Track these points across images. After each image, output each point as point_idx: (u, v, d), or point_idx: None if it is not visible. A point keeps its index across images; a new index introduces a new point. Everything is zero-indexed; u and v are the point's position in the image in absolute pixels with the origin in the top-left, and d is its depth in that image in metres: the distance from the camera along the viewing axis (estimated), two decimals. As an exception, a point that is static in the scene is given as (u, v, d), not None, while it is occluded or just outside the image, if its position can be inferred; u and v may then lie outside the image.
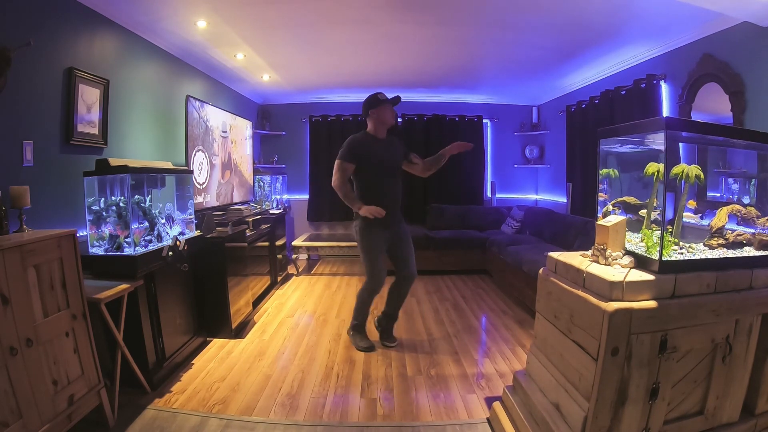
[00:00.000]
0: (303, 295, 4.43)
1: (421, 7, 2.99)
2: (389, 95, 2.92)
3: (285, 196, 6.12)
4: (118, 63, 2.92)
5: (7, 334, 1.55)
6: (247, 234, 3.73)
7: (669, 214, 1.67)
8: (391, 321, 3.12)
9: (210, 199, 4.06)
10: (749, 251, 1.66)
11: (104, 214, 2.40)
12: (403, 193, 3.08)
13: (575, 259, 1.77)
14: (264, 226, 4.36)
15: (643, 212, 1.75)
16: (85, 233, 2.39)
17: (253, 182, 5.40)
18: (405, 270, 2.98)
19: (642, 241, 1.67)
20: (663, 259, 1.50)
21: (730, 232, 1.71)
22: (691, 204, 1.79)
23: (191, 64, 4.00)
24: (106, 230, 2.38)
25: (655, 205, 1.69)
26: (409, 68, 4.65)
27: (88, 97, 2.62)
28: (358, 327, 3.08)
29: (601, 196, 1.87)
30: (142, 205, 2.52)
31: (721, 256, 1.61)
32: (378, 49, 3.97)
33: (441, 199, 5.99)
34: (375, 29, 3.45)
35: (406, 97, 6.02)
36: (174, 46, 3.58)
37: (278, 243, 4.85)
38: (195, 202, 3.36)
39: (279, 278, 4.78)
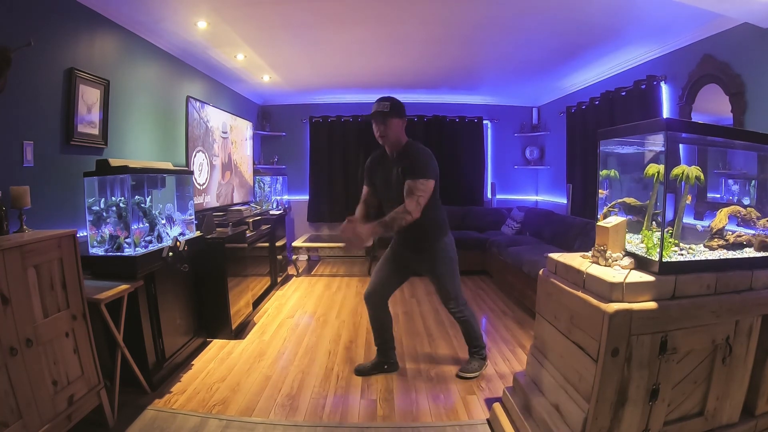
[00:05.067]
0: (303, 296, 4.43)
1: (422, 6, 3.00)
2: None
3: (285, 197, 6.12)
4: (118, 63, 2.93)
5: (7, 334, 1.55)
6: (247, 235, 3.73)
7: (669, 215, 1.67)
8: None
9: (210, 200, 4.06)
10: (749, 252, 1.66)
11: (104, 214, 2.40)
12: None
13: (575, 260, 1.77)
14: (264, 227, 4.36)
15: (614, 218, 1.73)
16: (85, 233, 2.39)
17: (254, 183, 5.40)
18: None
19: (642, 242, 1.67)
20: (663, 260, 1.50)
21: (730, 233, 1.71)
22: (687, 199, 1.79)
23: (191, 65, 4.01)
24: (107, 230, 2.38)
25: (654, 203, 1.69)
26: (410, 69, 4.65)
27: (89, 97, 2.62)
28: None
29: (601, 193, 1.87)
30: (143, 205, 2.52)
31: (722, 257, 1.61)
32: (378, 50, 3.97)
33: (441, 200, 5.94)
34: (375, 30, 3.45)
35: (406, 97, 6.03)
36: (174, 47, 3.58)
37: (278, 244, 4.85)
38: (195, 202, 3.36)
39: (279, 279, 4.78)
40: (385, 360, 2.71)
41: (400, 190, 2.39)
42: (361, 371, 2.68)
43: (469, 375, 2.61)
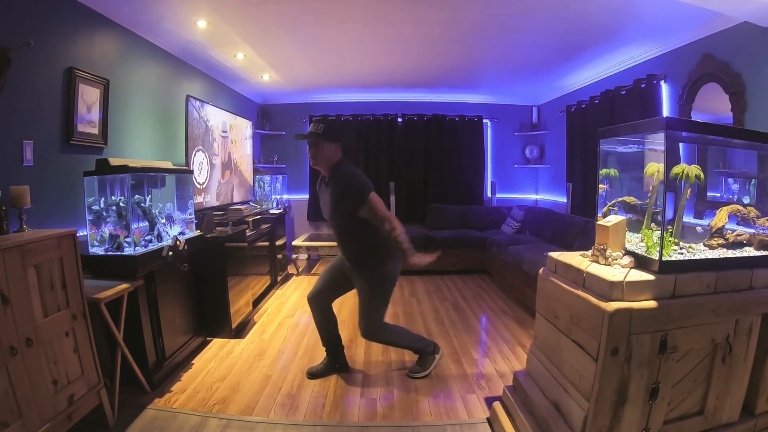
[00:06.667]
0: (303, 295, 4.42)
1: (422, 6, 2.99)
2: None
3: (285, 196, 6.11)
4: (118, 63, 2.92)
5: (7, 334, 1.55)
6: (247, 234, 3.73)
7: (669, 214, 1.67)
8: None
9: (210, 199, 4.06)
10: (749, 251, 1.66)
11: (104, 213, 2.40)
12: (361, 242, 2.43)
13: (575, 259, 1.77)
14: (264, 226, 4.36)
15: (614, 217, 1.73)
16: (85, 233, 2.39)
17: (253, 182, 5.40)
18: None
19: (642, 241, 1.68)
20: (663, 259, 1.50)
21: (730, 232, 1.71)
22: (687, 193, 1.79)
23: (191, 64, 4.00)
24: (106, 230, 2.38)
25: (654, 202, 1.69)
26: (410, 68, 4.65)
27: (88, 96, 2.62)
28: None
29: (602, 188, 1.87)
30: (142, 204, 2.52)
31: (721, 257, 1.61)
32: (378, 49, 3.97)
33: (441, 199, 5.98)
34: (375, 29, 3.45)
35: (406, 97, 6.08)
36: (174, 46, 3.58)
37: (278, 243, 4.85)
38: (195, 201, 3.36)
39: (279, 278, 4.78)
40: (336, 359, 2.70)
41: (335, 212, 2.39)
42: (314, 374, 2.63)
43: (417, 375, 2.62)
